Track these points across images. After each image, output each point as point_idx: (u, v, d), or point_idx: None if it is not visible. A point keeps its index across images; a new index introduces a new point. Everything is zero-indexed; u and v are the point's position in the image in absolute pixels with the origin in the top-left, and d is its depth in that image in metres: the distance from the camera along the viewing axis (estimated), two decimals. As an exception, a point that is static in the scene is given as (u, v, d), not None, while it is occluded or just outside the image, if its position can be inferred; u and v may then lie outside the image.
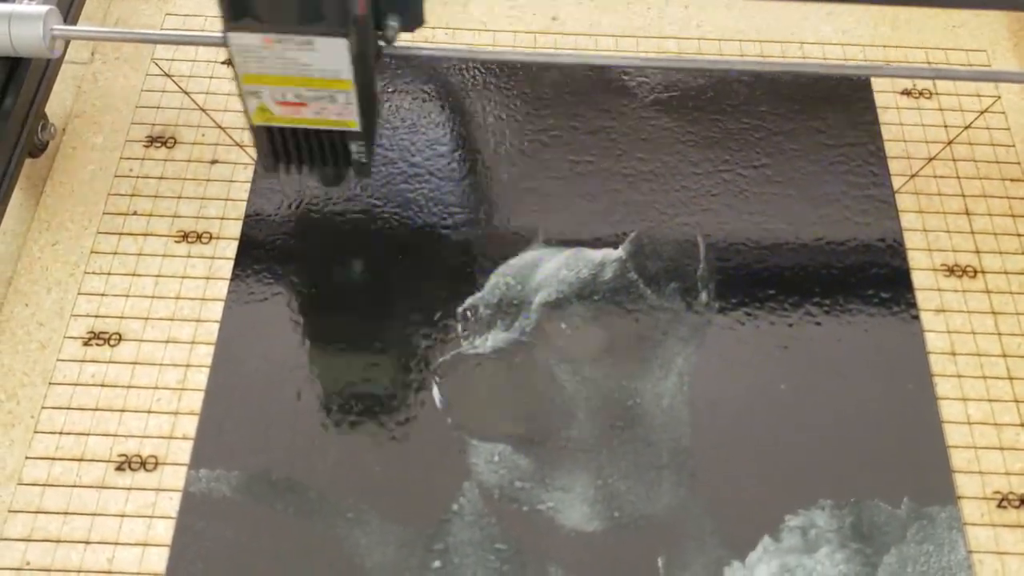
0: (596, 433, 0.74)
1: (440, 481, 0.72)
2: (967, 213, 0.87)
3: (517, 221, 0.85)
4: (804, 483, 0.73)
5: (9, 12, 0.75)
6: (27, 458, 0.73)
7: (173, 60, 0.95)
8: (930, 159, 0.91)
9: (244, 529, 0.70)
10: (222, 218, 0.85)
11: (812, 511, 0.72)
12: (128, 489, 0.72)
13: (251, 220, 0.85)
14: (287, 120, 0.66)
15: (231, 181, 0.87)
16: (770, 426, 0.75)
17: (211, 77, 0.94)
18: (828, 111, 0.93)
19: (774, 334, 0.80)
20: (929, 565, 0.70)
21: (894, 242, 0.85)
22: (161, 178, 0.87)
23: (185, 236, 0.84)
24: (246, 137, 0.90)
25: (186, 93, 0.93)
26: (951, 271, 0.84)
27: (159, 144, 0.90)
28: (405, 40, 0.97)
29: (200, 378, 0.77)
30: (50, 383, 0.76)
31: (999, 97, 0.95)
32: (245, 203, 0.86)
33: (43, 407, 0.75)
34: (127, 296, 0.81)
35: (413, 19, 0.70)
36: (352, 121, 0.66)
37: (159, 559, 0.69)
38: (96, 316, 0.79)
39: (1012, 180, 0.90)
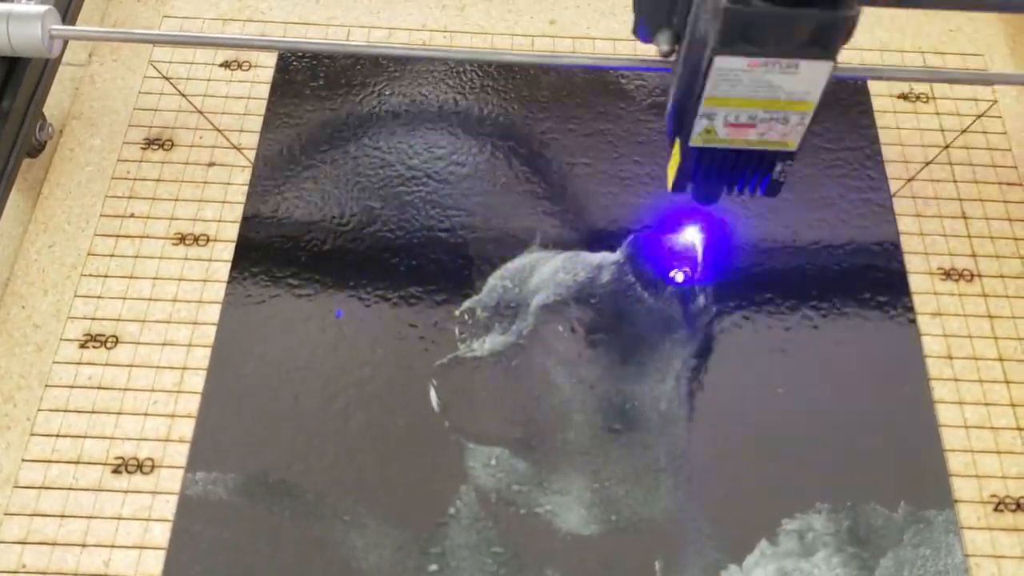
0: (593, 436, 0.74)
1: (437, 484, 0.72)
2: (964, 217, 0.88)
3: (514, 224, 0.85)
4: (801, 487, 0.73)
5: (8, 11, 0.75)
6: (23, 461, 0.73)
7: (170, 62, 0.95)
8: (927, 163, 0.91)
9: (241, 532, 0.70)
10: (219, 220, 0.85)
11: (809, 515, 0.72)
12: (125, 492, 0.72)
13: (248, 223, 0.85)
14: (728, 141, 0.64)
15: (228, 184, 0.87)
16: (767, 429, 0.75)
17: (208, 80, 0.94)
18: (825, 115, 0.93)
19: (771, 337, 0.80)
20: (926, 569, 0.70)
21: (891, 246, 0.85)
22: (158, 180, 0.87)
23: (182, 238, 0.84)
24: (243, 140, 0.90)
25: (183, 95, 0.93)
26: (948, 275, 0.84)
27: (156, 146, 0.89)
28: (402, 43, 0.97)
29: (197, 381, 0.76)
30: (46, 385, 0.76)
31: (996, 101, 0.95)
32: (242, 206, 0.86)
33: (39, 409, 0.75)
34: (124, 298, 0.80)
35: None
36: (792, 142, 0.64)
37: (155, 562, 0.69)
38: (93, 318, 0.79)
39: (1008, 184, 0.90)
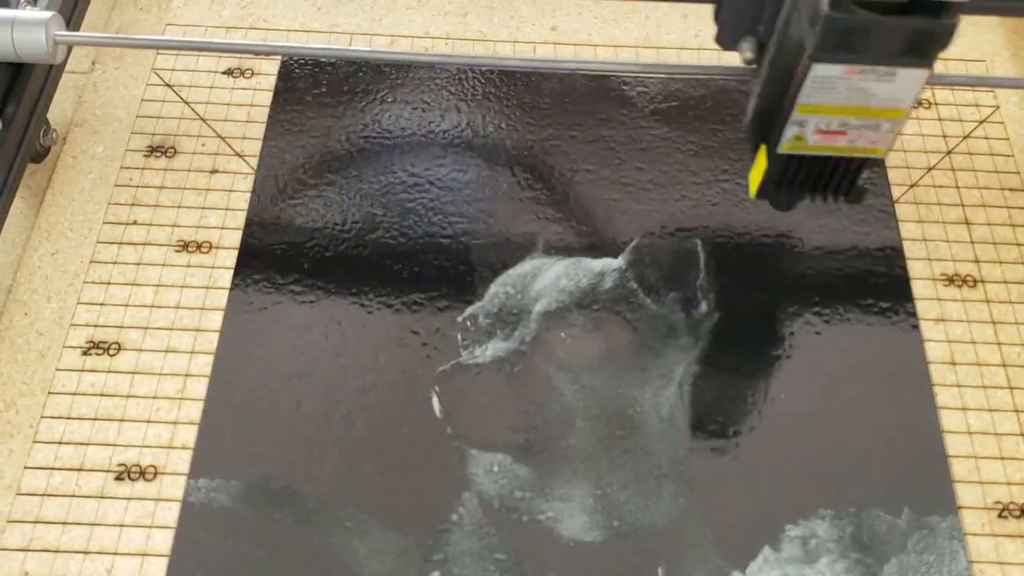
0: (596, 442, 0.74)
1: (439, 491, 0.72)
2: (966, 223, 0.87)
3: (517, 230, 0.85)
4: (804, 493, 0.73)
5: (12, 17, 0.76)
6: (26, 468, 0.73)
7: (173, 70, 0.95)
8: (929, 169, 0.91)
9: (243, 538, 0.70)
10: (222, 228, 0.85)
11: (812, 521, 0.71)
12: (127, 499, 0.72)
13: (251, 230, 0.85)
14: (817, 148, 0.64)
15: (231, 191, 0.87)
16: (770, 436, 0.75)
17: (211, 87, 0.94)
18: (827, 121, 0.93)
19: (773, 343, 0.80)
20: (930, 575, 0.69)
21: (893, 251, 0.85)
22: (161, 187, 0.87)
23: (185, 246, 0.84)
24: (246, 147, 0.90)
25: (186, 103, 0.93)
26: (951, 281, 0.84)
27: (159, 154, 0.90)
28: (403, 50, 0.97)
29: (199, 388, 0.76)
30: (49, 393, 0.76)
31: (998, 107, 0.95)
32: (245, 213, 0.86)
33: (42, 417, 0.75)
34: (127, 306, 0.81)
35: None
36: (882, 149, 0.64)
37: (158, 569, 0.69)
38: (95, 326, 0.79)
39: (1011, 190, 0.90)
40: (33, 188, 0.87)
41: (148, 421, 0.75)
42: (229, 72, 0.95)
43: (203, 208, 0.86)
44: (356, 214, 0.86)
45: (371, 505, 0.71)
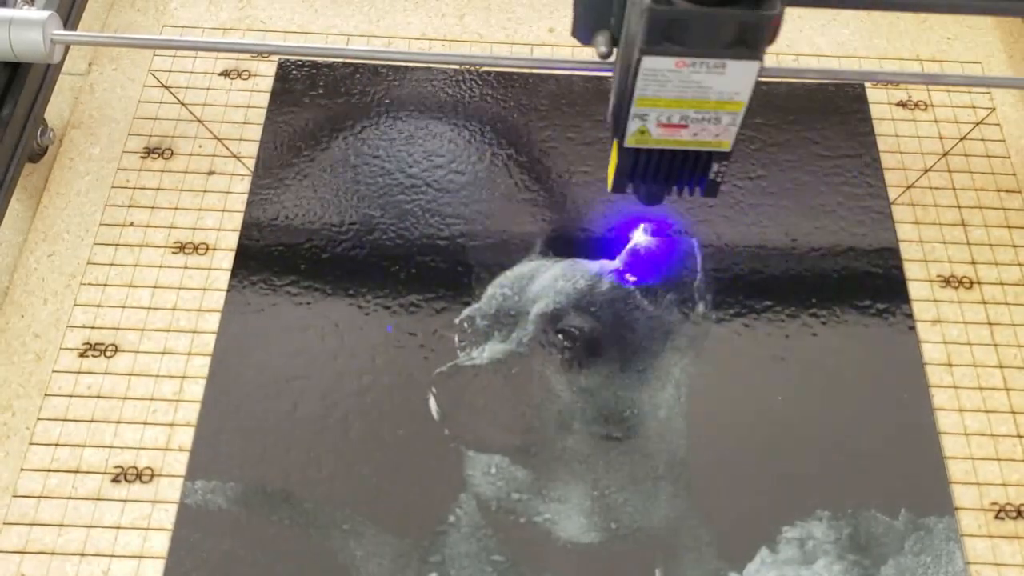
0: (593, 444, 0.74)
1: (436, 492, 0.72)
2: (963, 224, 0.88)
3: (514, 232, 0.85)
4: (801, 494, 0.73)
5: (9, 17, 0.75)
6: (22, 470, 0.73)
7: (170, 71, 0.95)
8: (926, 170, 0.91)
9: (240, 541, 0.70)
10: (219, 229, 0.85)
11: (809, 522, 0.72)
12: (124, 501, 0.72)
13: (247, 231, 0.85)
14: (662, 142, 0.65)
15: (228, 192, 0.87)
16: (767, 437, 0.75)
17: (208, 88, 0.94)
18: (824, 123, 0.93)
19: (771, 345, 0.80)
20: (927, 576, 0.70)
21: (890, 253, 0.85)
22: (158, 189, 0.87)
23: (182, 247, 0.84)
24: (242, 148, 0.90)
25: (183, 104, 0.93)
26: (947, 282, 0.84)
27: (156, 155, 0.90)
28: (402, 50, 0.97)
29: (196, 389, 0.76)
30: (45, 394, 0.76)
31: (994, 109, 0.95)
32: (242, 214, 0.86)
33: (38, 418, 0.75)
34: (123, 307, 0.80)
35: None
36: (726, 142, 0.64)
37: (155, 571, 0.68)
38: (92, 327, 0.79)
39: (1007, 191, 0.90)
40: (30, 190, 0.87)
41: (145, 423, 0.75)
42: (226, 74, 0.95)
43: (200, 210, 0.86)
44: (353, 216, 0.86)
45: (368, 507, 0.71)
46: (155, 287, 0.82)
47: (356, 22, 1.00)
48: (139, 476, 0.73)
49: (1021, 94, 0.96)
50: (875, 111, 0.94)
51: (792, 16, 1.02)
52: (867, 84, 0.96)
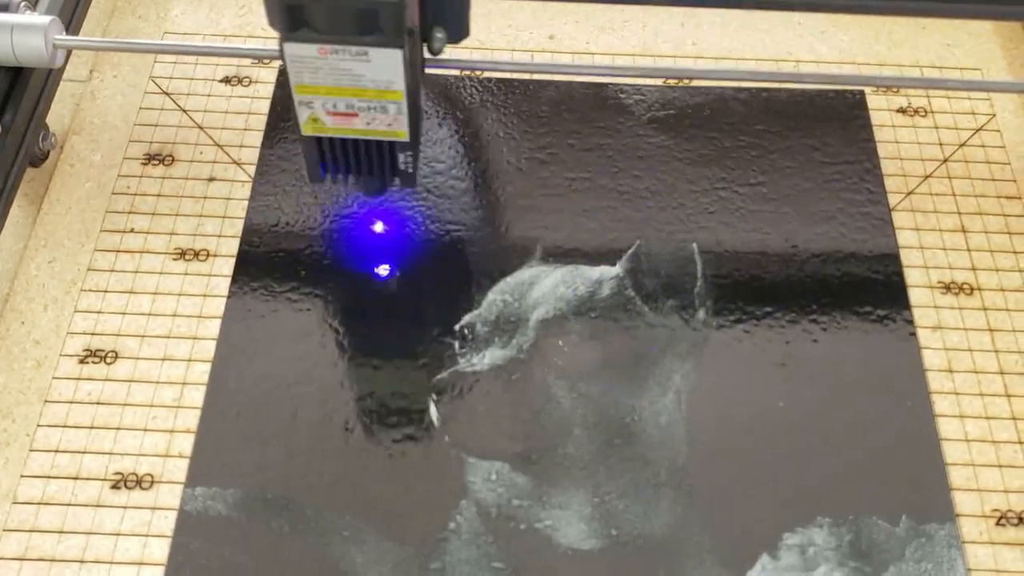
0: (594, 451, 0.74)
1: (437, 499, 0.72)
2: (963, 230, 0.88)
3: (514, 238, 0.85)
4: (802, 501, 0.73)
5: (12, 22, 0.76)
6: (22, 476, 0.73)
7: (171, 78, 0.95)
8: (926, 177, 0.91)
9: (240, 547, 0.70)
10: (219, 236, 0.85)
11: (810, 529, 0.71)
12: (124, 508, 0.71)
13: (248, 237, 0.85)
14: (337, 131, 0.66)
15: (228, 199, 0.87)
16: (768, 443, 0.75)
17: (209, 95, 0.94)
18: (824, 129, 0.93)
19: (771, 351, 0.80)
20: (928, 583, 0.70)
21: (890, 259, 0.85)
22: (159, 195, 0.87)
23: (182, 253, 0.84)
24: (243, 155, 0.90)
25: (184, 111, 0.93)
26: (948, 288, 0.84)
27: (157, 162, 0.90)
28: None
29: (196, 396, 0.76)
30: (46, 401, 0.76)
31: (994, 115, 0.95)
32: (242, 220, 0.86)
33: (39, 425, 0.75)
34: (123, 314, 0.80)
35: (459, 31, 0.70)
36: (402, 132, 0.65)
37: (154, 578, 0.68)
38: (92, 334, 0.79)
39: (1007, 198, 0.90)
40: (30, 196, 0.87)
41: (145, 429, 0.75)
42: (227, 80, 0.95)
43: (200, 216, 0.86)
44: (353, 222, 0.86)
45: (369, 514, 0.71)
46: (155, 293, 0.82)
47: (357, 29, 1.00)
48: (139, 483, 0.72)
49: (1021, 100, 0.96)
50: (875, 117, 0.95)
51: (792, 22, 1.02)
52: (867, 90, 0.96)
